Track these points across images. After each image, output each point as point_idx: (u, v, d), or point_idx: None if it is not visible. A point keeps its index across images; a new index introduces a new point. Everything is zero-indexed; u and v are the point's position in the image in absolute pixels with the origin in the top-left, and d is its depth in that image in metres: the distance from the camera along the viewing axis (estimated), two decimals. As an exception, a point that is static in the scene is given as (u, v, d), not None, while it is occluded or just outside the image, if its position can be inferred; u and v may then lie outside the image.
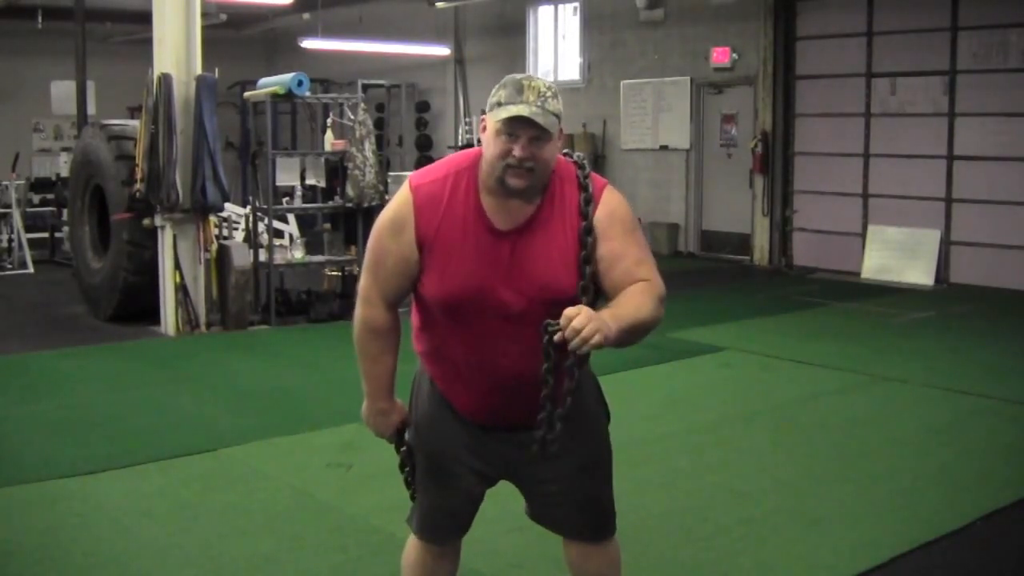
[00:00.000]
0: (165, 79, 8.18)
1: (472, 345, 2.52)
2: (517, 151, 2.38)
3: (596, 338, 2.21)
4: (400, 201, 2.52)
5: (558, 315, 2.27)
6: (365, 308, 2.60)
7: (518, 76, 2.45)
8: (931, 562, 4.01)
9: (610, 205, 2.51)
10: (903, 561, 3.98)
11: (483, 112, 2.50)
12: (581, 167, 2.55)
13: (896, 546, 4.08)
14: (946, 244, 11.13)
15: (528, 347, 2.44)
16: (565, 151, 2.60)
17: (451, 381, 2.60)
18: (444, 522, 2.78)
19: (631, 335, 2.37)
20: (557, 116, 2.41)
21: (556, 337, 2.25)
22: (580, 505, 2.70)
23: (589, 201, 2.48)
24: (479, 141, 2.54)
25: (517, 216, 2.47)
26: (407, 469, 2.78)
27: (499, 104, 2.40)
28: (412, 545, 2.85)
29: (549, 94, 2.41)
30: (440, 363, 2.61)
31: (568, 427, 2.60)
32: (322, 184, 9.56)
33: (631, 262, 2.48)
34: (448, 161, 2.57)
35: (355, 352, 2.65)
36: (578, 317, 2.21)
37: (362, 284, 2.60)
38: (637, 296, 2.42)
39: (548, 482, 2.67)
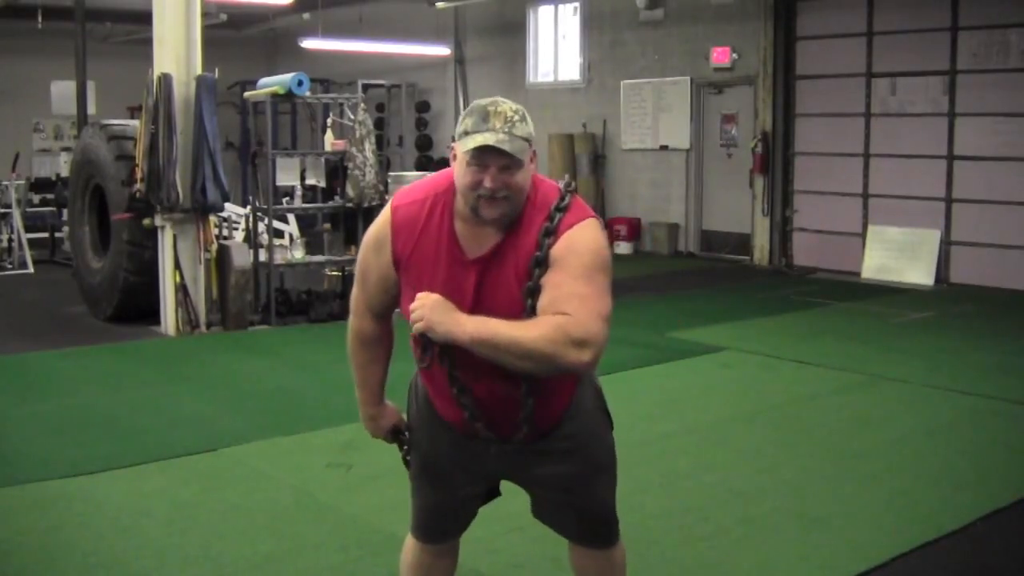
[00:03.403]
0: (165, 79, 8.19)
1: (449, 367, 2.51)
2: (488, 182, 2.33)
3: (418, 325, 2.35)
4: (382, 220, 2.54)
5: None
6: (355, 319, 2.66)
7: (484, 102, 2.39)
8: (931, 562, 4.01)
9: (572, 239, 2.36)
10: (903, 561, 3.98)
11: (452, 139, 2.47)
12: (561, 198, 2.43)
13: (896, 546, 4.08)
14: (946, 244, 11.13)
15: (499, 374, 2.40)
16: (565, 176, 2.57)
17: (436, 394, 2.62)
18: (439, 522, 2.79)
19: (493, 350, 2.28)
20: (527, 140, 2.36)
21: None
22: (580, 512, 2.70)
23: (549, 233, 2.37)
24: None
25: (484, 244, 2.43)
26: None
27: (466, 133, 2.35)
28: (410, 544, 2.85)
29: (516, 118, 2.35)
30: (428, 375, 2.63)
31: (566, 439, 2.62)
32: (322, 184, 9.56)
33: (563, 293, 2.30)
34: (429, 182, 2.55)
35: (350, 363, 2.72)
36: (417, 301, 2.36)
37: (352, 295, 2.67)
38: (532, 322, 2.30)
39: (547, 488, 2.68)
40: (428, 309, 2.34)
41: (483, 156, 2.33)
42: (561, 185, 2.49)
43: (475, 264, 2.43)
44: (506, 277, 2.41)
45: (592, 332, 2.26)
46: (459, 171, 2.39)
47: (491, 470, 2.68)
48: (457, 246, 2.44)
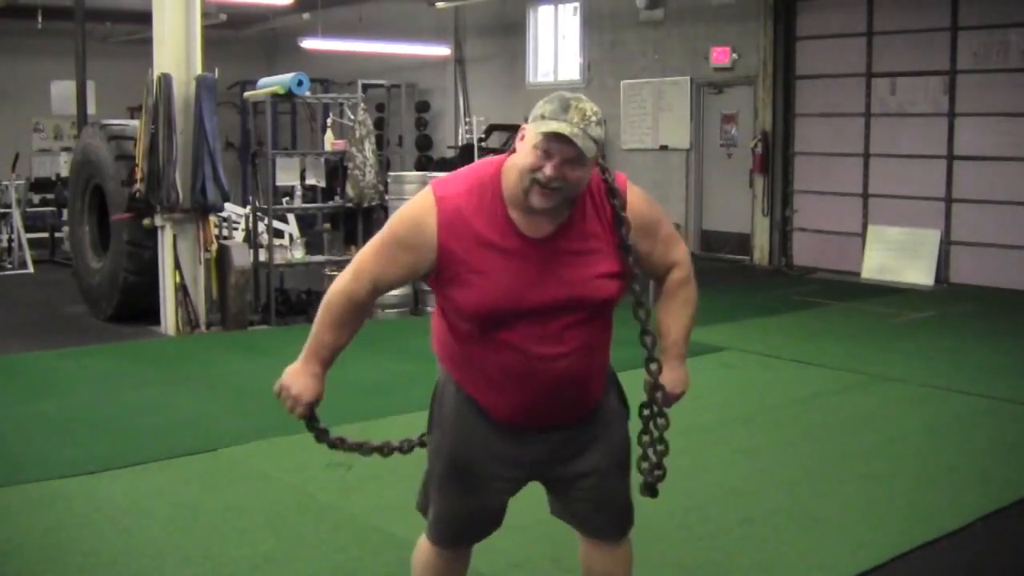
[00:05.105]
0: (165, 79, 8.19)
1: (512, 353, 2.50)
2: (548, 170, 2.35)
3: (680, 400, 2.80)
4: (424, 208, 2.47)
5: (595, 316, 2.55)
6: (354, 282, 2.54)
7: (568, 94, 2.41)
8: (931, 562, 4.01)
9: (634, 204, 2.58)
10: (903, 561, 3.98)
11: (525, 120, 2.48)
12: (605, 171, 2.55)
13: (896, 546, 4.08)
14: (946, 244, 11.13)
15: (569, 350, 2.50)
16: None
17: (485, 388, 2.57)
18: (465, 528, 2.75)
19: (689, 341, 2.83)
20: (596, 142, 2.38)
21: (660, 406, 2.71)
22: (605, 502, 2.72)
23: (623, 207, 2.54)
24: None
25: (548, 223, 2.46)
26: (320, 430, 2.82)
27: (542, 117, 2.37)
28: (424, 547, 2.81)
29: (594, 119, 2.38)
30: (471, 370, 2.58)
31: (600, 425, 2.68)
32: (322, 184, 9.57)
33: (662, 248, 2.66)
34: (471, 172, 2.53)
35: (318, 316, 2.60)
36: (671, 394, 2.76)
37: (360, 259, 2.55)
38: (678, 307, 2.74)
39: (579, 479, 2.67)
40: (681, 386, 2.81)
41: (552, 143, 2.35)
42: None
43: (544, 243, 2.46)
44: (581, 251, 2.49)
45: (689, 257, 2.76)
46: (523, 152, 2.40)
47: (530, 465, 2.65)
48: (516, 229, 2.46)
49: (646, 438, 2.72)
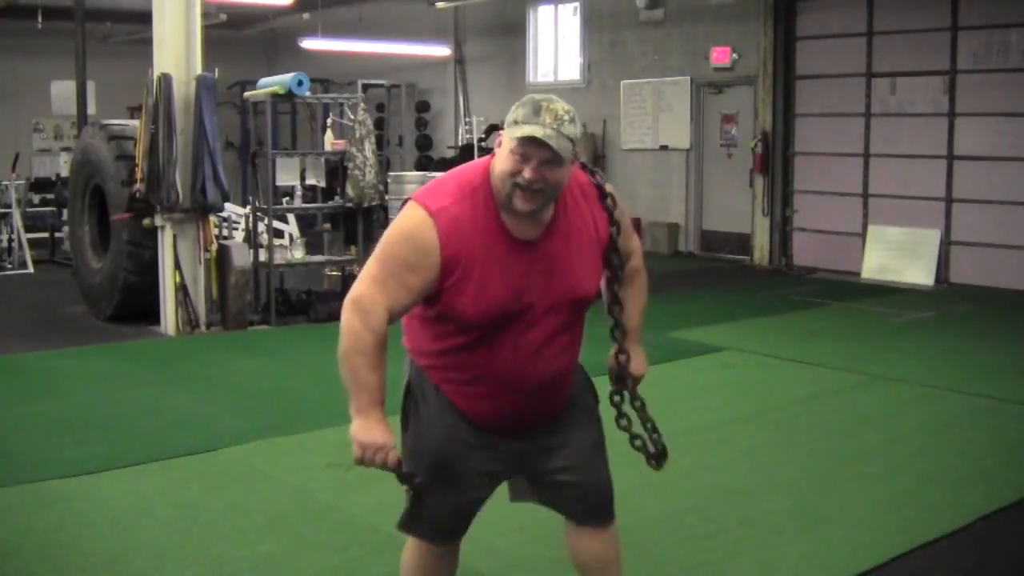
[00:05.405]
0: (165, 79, 8.18)
1: (504, 355, 2.53)
2: (527, 173, 2.38)
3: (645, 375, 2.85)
4: (420, 223, 2.43)
5: (579, 314, 2.63)
6: (372, 319, 2.45)
7: (538, 96, 2.44)
8: (931, 562, 4.01)
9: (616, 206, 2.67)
10: (903, 561, 3.98)
11: (500, 127, 2.52)
12: (592, 171, 2.61)
13: (896, 546, 4.08)
14: (946, 244, 11.13)
15: (555, 348, 2.57)
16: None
17: (470, 393, 2.60)
18: (452, 524, 2.77)
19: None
20: (572, 141, 2.40)
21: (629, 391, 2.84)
22: (589, 489, 2.74)
23: (615, 207, 2.62)
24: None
25: (537, 225, 2.51)
26: (414, 479, 2.63)
27: (515, 123, 2.40)
28: (412, 547, 2.84)
29: (566, 118, 2.40)
30: (456, 376, 2.60)
31: (576, 413, 2.74)
32: (322, 184, 9.57)
33: (624, 241, 2.71)
34: (457, 180, 2.52)
35: (349, 366, 2.52)
36: (638, 379, 2.83)
37: (366, 294, 2.46)
38: (636, 294, 2.82)
39: (560, 471, 2.70)
40: (641, 369, 2.82)
41: (528, 147, 2.38)
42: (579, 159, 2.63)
43: (534, 244, 2.51)
44: (567, 252, 2.54)
45: (639, 244, 2.88)
46: (501, 158, 2.43)
47: (512, 461, 2.69)
48: (509, 232, 2.48)
49: (624, 421, 2.81)
